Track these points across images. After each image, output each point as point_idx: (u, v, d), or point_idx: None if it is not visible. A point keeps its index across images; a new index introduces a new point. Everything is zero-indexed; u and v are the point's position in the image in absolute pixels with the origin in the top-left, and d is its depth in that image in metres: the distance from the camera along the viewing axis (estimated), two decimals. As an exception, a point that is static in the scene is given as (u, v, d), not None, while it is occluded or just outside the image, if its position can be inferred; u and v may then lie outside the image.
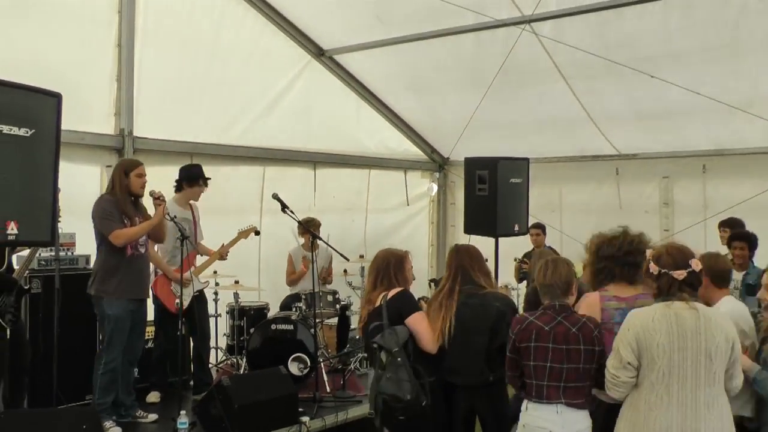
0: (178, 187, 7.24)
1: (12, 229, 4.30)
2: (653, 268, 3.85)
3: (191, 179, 7.21)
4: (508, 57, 8.63)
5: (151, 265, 6.88)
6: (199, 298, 7.28)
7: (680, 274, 3.78)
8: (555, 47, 8.18)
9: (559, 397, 4.06)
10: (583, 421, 4.09)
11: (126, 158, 6.71)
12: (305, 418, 6.41)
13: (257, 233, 7.72)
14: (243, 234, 7.59)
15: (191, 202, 7.32)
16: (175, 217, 6.37)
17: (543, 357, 4.11)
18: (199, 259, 7.48)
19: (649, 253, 4.02)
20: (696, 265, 3.82)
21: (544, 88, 9.06)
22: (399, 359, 4.69)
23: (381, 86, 10.49)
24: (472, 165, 8.23)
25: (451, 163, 11.75)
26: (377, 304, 4.96)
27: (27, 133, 4.37)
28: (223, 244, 7.47)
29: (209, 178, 7.37)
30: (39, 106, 4.49)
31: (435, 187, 11.83)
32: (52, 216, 4.60)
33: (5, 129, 4.26)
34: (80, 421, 5.11)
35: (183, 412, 5.85)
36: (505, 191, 7.92)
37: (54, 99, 4.61)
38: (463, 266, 5.07)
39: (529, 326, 4.19)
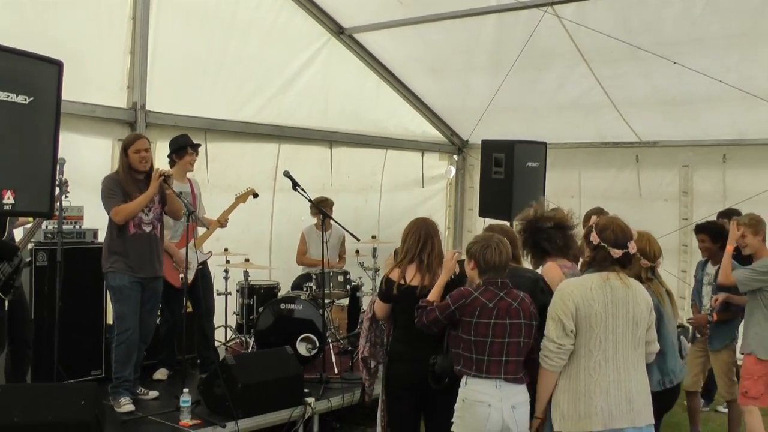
0: (171, 162, 6.99)
1: (8, 198, 4.17)
2: (594, 238, 4.09)
3: (179, 149, 6.94)
4: (529, 40, 8.40)
5: None
6: (203, 273, 7.07)
7: (616, 253, 4.04)
8: (577, 30, 7.95)
9: (500, 372, 4.16)
10: (522, 394, 4.21)
11: (129, 134, 6.52)
12: (310, 399, 6.28)
13: (255, 195, 7.41)
14: (241, 198, 7.32)
15: (189, 176, 7.10)
16: (181, 193, 6.21)
17: (484, 333, 4.19)
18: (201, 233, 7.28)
19: (593, 220, 4.27)
20: (632, 248, 4.09)
21: (565, 72, 8.87)
22: None
23: (401, 67, 10.27)
24: (489, 148, 8.12)
25: (470, 146, 11.52)
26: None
27: (25, 100, 4.24)
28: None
29: (199, 145, 7.11)
30: (39, 73, 4.35)
31: (453, 170, 11.63)
32: (50, 187, 4.47)
33: (2, 95, 4.12)
34: (78, 396, 4.97)
35: (186, 390, 5.72)
36: (522, 175, 7.80)
37: (55, 67, 4.47)
38: None
39: (474, 302, 4.23)
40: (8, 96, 4.15)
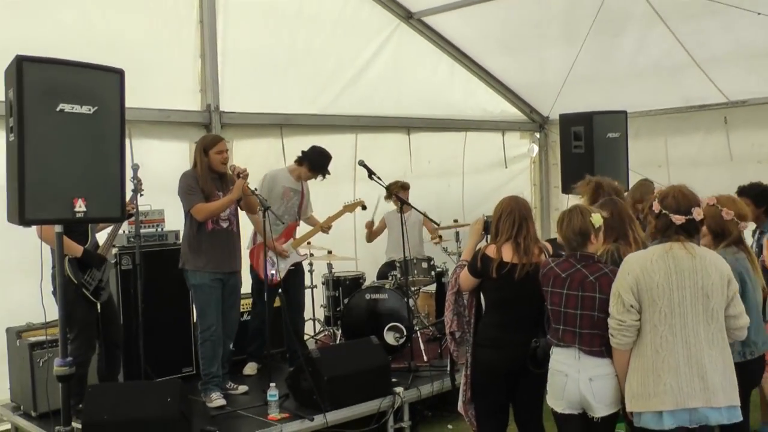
0: (300, 161, 7.11)
1: (80, 206, 4.31)
2: (656, 207, 3.96)
3: (314, 167, 7.06)
4: (602, 5, 8.15)
5: (249, 235, 6.88)
6: (296, 271, 7.19)
7: (679, 219, 3.88)
8: (651, -11, 7.69)
9: (575, 341, 4.16)
10: (603, 367, 4.10)
11: (207, 135, 6.67)
12: (399, 389, 6.26)
13: (364, 207, 7.56)
14: (348, 208, 7.45)
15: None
16: (256, 189, 6.30)
17: (557, 302, 4.25)
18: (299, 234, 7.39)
19: (656, 190, 4.29)
20: (698, 214, 3.90)
21: (642, 35, 8.56)
22: None
23: (474, 47, 10.13)
24: (567, 122, 7.97)
25: (551, 122, 11.28)
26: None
27: (90, 110, 4.37)
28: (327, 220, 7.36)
29: (329, 173, 7.20)
30: (101, 83, 4.48)
31: (535, 148, 11.45)
32: (120, 192, 4.60)
33: (67, 108, 4.27)
34: (164, 393, 5.13)
35: (273, 384, 5.80)
36: (602, 147, 7.65)
37: (116, 75, 4.59)
38: None
39: (549, 272, 4.33)
40: (73, 108, 4.30)
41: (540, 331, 4.56)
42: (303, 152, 7.12)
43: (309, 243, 7.83)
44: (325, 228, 7.31)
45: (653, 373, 3.80)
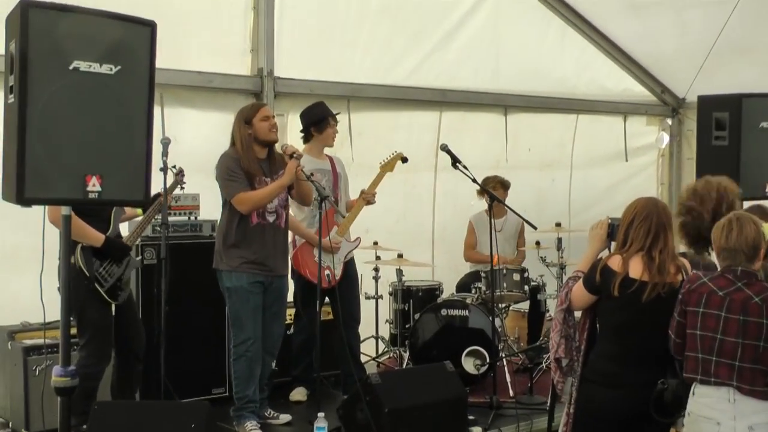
0: (307, 137, 7.05)
1: (93, 185, 4.30)
2: None
3: (319, 122, 6.94)
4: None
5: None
6: (347, 272, 7.11)
7: None
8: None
9: (731, 377, 4.10)
10: (765, 413, 4.09)
11: (246, 105, 6.65)
12: (476, 428, 6.25)
13: (404, 160, 7.29)
14: (387, 166, 7.26)
15: (328, 152, 7.15)
16: (312, 174, 6.26)
17: (713, 327, 4.16)
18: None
19: None
20: None
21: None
22: None
23: (592, 7, 10.01)
24: (708, 105, 7.84)
25: (687, 105, 11.14)
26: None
27: (111, 70, 4.34)
28: (362, 191, 7.18)
29: (338, 113, 7.14)
30: (127, 37, 4.42)
31: (666, 138, 11.31)
32: (145, 170, 4.59)
33: (83, 66, 4.23)
34: (188, 418, 5.06)
35: (321, 415, 5.75)
36: (753, 139, 7.50)
37: (147, 28, 4.53)
38: None
39: (700, 288, 4.24)
40: (90, 66, 4.26)
41: (669, 369, 4.50)
42: (302, 129, 7.05)
43: (376, 243, 7.82)
44: (369, 196, 7.13)
45: None
